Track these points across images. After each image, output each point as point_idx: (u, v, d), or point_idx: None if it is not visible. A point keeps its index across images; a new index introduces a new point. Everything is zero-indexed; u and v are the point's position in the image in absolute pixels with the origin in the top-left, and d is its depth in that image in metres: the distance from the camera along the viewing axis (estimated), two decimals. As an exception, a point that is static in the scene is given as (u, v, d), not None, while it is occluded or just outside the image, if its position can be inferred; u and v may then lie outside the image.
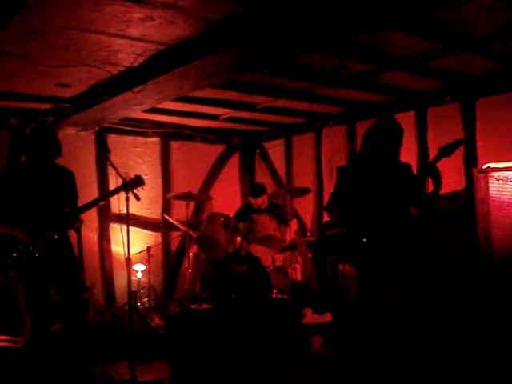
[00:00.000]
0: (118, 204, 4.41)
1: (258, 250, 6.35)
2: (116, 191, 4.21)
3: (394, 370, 3.92)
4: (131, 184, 4.18)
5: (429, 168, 3.86)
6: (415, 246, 4.02)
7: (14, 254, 3.93)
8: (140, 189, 4.22)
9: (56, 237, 4.04)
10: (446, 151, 3.77)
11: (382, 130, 3.94)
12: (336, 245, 4.13)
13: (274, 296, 6.12)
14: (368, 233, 3.83)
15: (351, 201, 3.97)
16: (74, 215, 4.23)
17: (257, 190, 7.00)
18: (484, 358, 4.45)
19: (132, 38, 4.21)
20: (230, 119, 7.44)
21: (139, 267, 7.11)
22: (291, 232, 6.68)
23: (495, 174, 5.32)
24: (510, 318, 4.88)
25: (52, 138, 4.17)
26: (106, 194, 4.82)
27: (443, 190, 3.97)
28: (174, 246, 8.03)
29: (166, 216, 7.37)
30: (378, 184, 3.91)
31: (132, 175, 4.25)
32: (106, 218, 7.31)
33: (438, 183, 3.88)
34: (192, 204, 7.68)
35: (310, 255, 7.00)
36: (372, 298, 3.90)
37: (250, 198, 7.01)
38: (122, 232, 4.23)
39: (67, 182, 4.33)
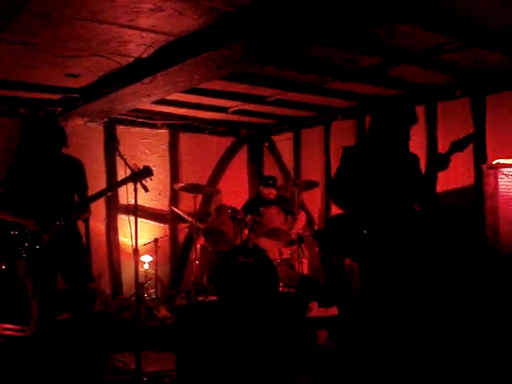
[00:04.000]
0: (126, 195, 4.41)
1: (266, 243, 6.35)
2: (124, 182, 4.20)
3: (397, 365, 3.89)
4: (139, 175, 4.17)
5: (440, 162, 3.65)
6: (419, 244, 3.83)
7: (26, 244, 3.96)
8: (148, 180, 4.22)
9: (64, 226, 4.05)
10: (458, 146, 3.66)
11: (397, 117, 3.75)
12: (336, 238, 3.85)
13: (280, 289, 6.12)
14: (369, 223, 3.63)
15: (353, 186, 3.73)
16: (82, 206, 4.25)
17: (268, 179, 7.11)
18: (491, 352, 4.44)
19: (142, 29, 4.22)
20: (239, 112, 7.43)
21: (146, 258, 7.13)
22: (299, 225, 6.65)
23: (504, 170, 5.31)
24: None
25: (55, 128, 4.19)
26: (114, 184, 4.81)
27: (452, 185, 3.90)
28: (182, 237, 8.03)
29: (173, 208, 7.37)
30: (382, 172, 3.72)
31: (140, 166, 4.25)
32: (114, 208, 7.33)
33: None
34: (200, 196, 7.68)
35: (316, 249, 6.99)
36: (374, 294, 3.74)
37: (262, 188, 7.03)
38: (129, 223, 4.22)
39: (76, 171, 4.35)
